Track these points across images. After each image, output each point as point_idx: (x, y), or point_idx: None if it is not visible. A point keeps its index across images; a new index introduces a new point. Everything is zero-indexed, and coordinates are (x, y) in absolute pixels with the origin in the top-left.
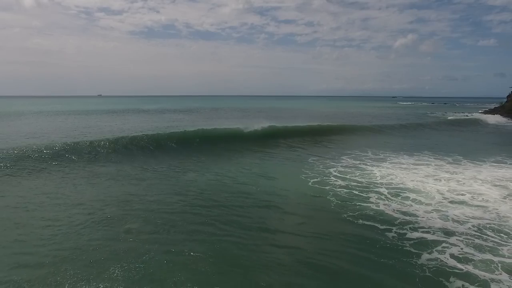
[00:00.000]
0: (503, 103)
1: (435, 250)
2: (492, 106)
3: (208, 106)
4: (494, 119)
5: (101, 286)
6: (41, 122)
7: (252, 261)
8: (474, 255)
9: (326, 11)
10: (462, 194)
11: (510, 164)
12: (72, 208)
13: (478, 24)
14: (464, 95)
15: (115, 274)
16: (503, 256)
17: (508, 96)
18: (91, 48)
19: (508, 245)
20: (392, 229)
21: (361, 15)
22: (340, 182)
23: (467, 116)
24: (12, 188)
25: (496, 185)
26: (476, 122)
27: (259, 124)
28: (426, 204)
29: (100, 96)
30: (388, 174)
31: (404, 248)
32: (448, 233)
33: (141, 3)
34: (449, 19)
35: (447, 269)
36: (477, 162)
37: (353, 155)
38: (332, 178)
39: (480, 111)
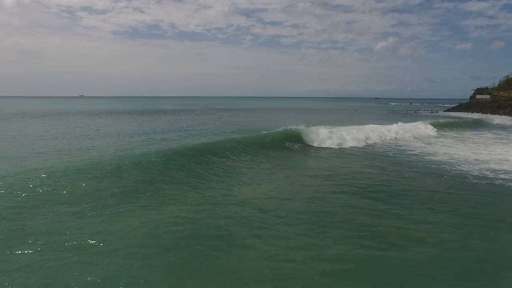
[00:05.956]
0: (461, 103)
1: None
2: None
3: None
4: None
5: None
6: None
7: None
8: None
9: (311, 14)
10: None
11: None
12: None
13: (457, 28)
14: (442, 96)
15: None
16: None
17: (470, 97)
18: (73, 48)
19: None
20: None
21: (345, 18)
22: None
23: (432, 112)
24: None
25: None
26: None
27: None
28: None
29: (82, 96)
30: None
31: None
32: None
33: (125, 2)
34: (429, 23)
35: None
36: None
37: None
38: None
39: (443, 110)
